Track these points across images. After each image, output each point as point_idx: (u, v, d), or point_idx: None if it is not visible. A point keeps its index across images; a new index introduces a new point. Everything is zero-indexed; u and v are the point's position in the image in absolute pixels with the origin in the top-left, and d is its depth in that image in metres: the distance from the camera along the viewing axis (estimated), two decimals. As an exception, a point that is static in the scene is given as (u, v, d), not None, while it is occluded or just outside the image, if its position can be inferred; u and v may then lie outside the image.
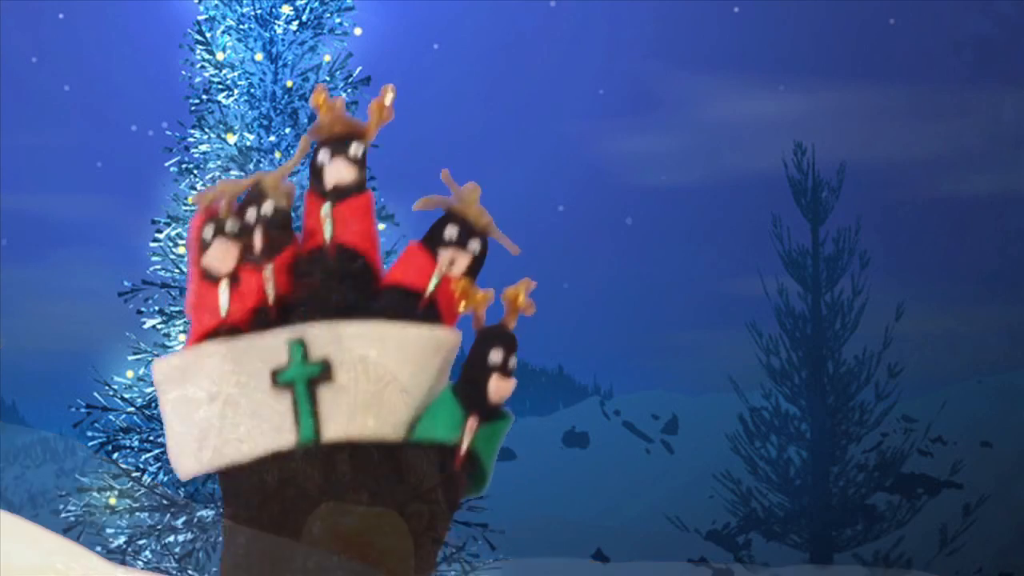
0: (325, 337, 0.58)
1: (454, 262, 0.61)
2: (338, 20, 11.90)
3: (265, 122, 11.75)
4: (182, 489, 11.17)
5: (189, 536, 11.13)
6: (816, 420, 27.59)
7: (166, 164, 11.84)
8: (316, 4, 11.78)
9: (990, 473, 29.87)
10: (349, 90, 11.96)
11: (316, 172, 0.60)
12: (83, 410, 11.22)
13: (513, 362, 0.63)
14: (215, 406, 0.60)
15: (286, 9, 11.67)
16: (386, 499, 0.62)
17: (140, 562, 10.97)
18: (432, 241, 0.61)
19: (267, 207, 0.59)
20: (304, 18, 11.74)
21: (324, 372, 0.58)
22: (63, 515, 11.03)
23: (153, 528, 11.07)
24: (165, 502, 11.02)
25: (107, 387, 11.29)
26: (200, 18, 11.62)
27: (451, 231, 0.62)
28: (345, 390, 0.59)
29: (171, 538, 11.10)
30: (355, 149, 0.61)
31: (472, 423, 0.61)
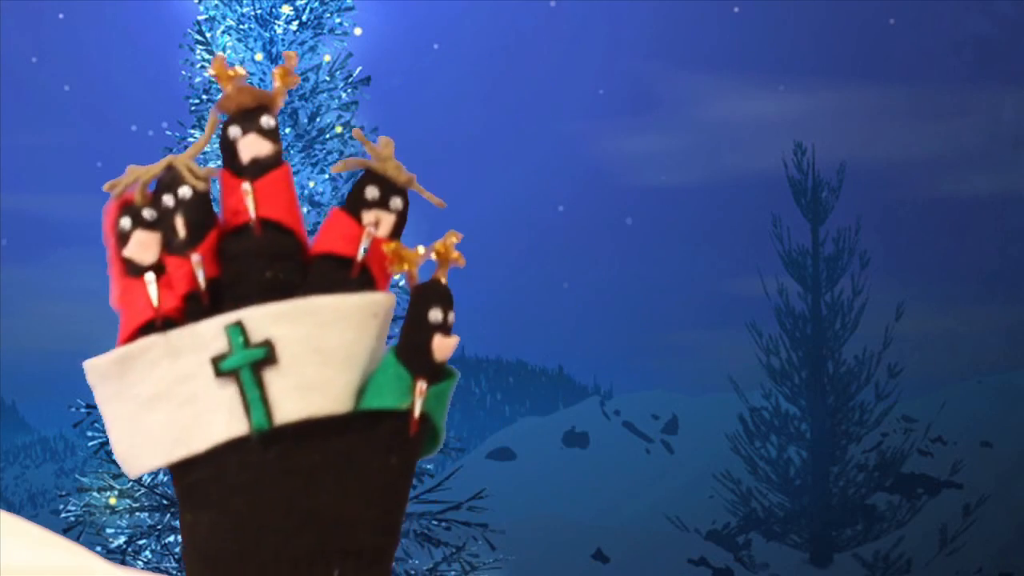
0: (264, 318, 0.58)
1: (379, 222, 0.61)
2: (338, 20, 11.90)
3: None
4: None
5: (189, 536, 11.14)
6: (816, 420, 27.59)
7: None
8: (316, 4, 11.79)
9: (990, 473, 29.85)
10: (349, 90, 11.97)
11: (229, 148, 0.59)
12: (83, 410, 11.22)
13: (452, 318, 0.63)
14: (160, 402, 0.59)
15: (286, 9, 11.67)
16: (349, 473, 0.62)
17: (140, 562, 10.97)
18: (354, 204, 0.60)
19: (184, 191, 0.59)
20: (304, 18, 11.75)
21: (268, 354, 0.57)
22: (63, 515, 11.03)
23: (153, 528, 11.07)
24: (165, 502, 11.02)
25: (107, 387, 11.30)
26: (200, 18, 11.62)
27: (372, 191, 0.61)
28: (290, 370, 0.59)
29: (171, 538, 11.10)
30: (267, 120, 0.60)
31: (421, 386, 0.61)
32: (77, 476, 11.47)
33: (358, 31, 11.93)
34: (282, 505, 0.69)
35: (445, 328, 0.72)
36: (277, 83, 0.72)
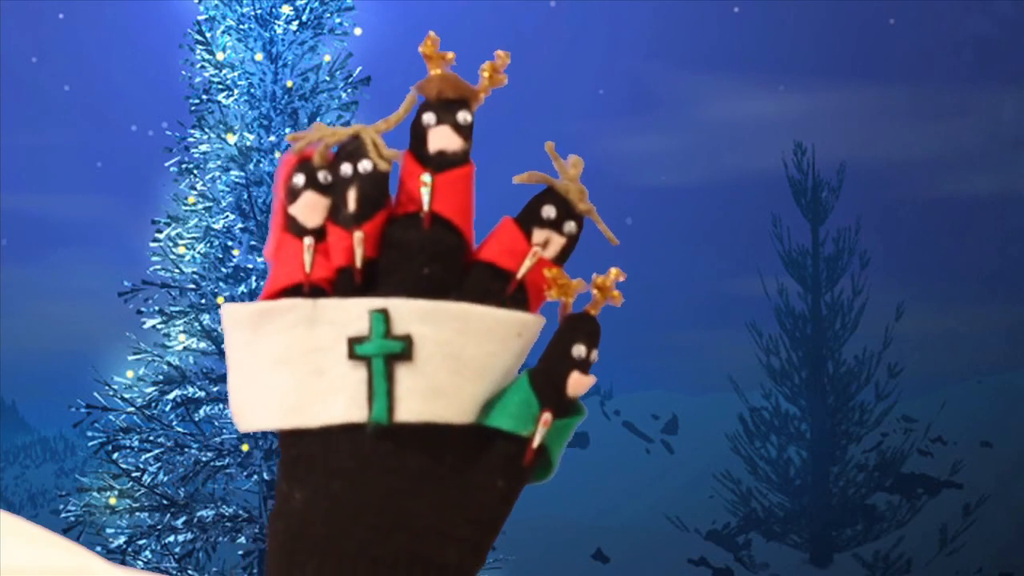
0: (410, 312, 0.57)
1: (548, 243, 0.60)
2: (338, 20, 11.91)
3: (265, 122, 11.76)
4: (182, 489, 11.17)
5: (189, 536, 11.13)
6: (816, 420, 27.59)
7: (166, 164, 11.85)
8: (316, 4, 11.78)
9: (990, 473, 29.85)
10: (349, 90, 11.97)
11: (419, 134, 0.58)
12: (83, 410, 11.22)
13: (595, 356, 0.62)
14: (287, 366, 0.58)
15: (286, 9, 11.67)
16: (454, 487, 0.61)
17: (140, 562, 10.97)
18: (528, 219, 0.60)
19: (365, 164, 0.58)
20: (304, 18, 11.75)
21: (405, 350, 0.57)
22: (63, 515, 11.03)
23: (153, 528, 11.07)
24: (165, 502, 11.02)
25: (107, 387, 11.29)
26: (200, 18, 11.63)
27: (549, 210, 0.60)
28: (423, 370, 0.58)
29: (171, 538, 11.10)
30: (464, 116, 0.59)
31: (547, 417, 0.60)
32: (77, 476, 11.47)
33: (358, 31, 11.93)
34: (380, 501, 0.68)
35: (585, 365, 0.71)
36: (484, 81, 0.71)
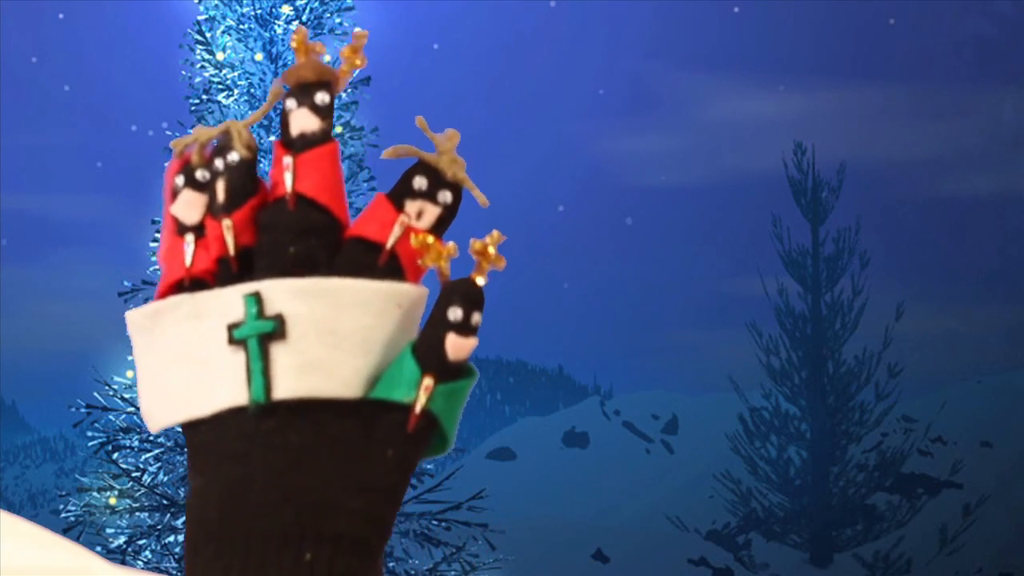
0: (280, 292, 0.57)
1: (422, 214, 0.60)
2: (338, 20, 11.91)
3: (265, 122, 11.76)
4: (182, 489, 11.17)
5: (189, 536, 11.14)
6: (816, 420, 27.59)
7: (166, 164, 11.86)
8: (316, 4, 11.79)
9: (990, 473, 29.85)
10: (349, 90, 11.97)
11: (284, 120, 0.59)
12: (83, 410, 11.22)
13: (476, 319, 0.62)
14: (180, 361, 0.59)
15: (286, 9, 11.67)
16: (340, 459, 0.61)
17: (140, 562, 10.97)
18: (399, 193, 0.60)
19: (232, 156, 0.59)
20: (304, 18, 11.75)
21: (277, 328, 0.57)
22: (63, 515, 11.03)
23: (153, 528, 11.07)
24: (165, 502, 11.02)
25: (107, 387, 11.29)
26: (200, 18, 11.62)
27: (420, 181, 0.60)
28: (297, 347, 0.58)
29: (171, 538, 11.09)
30: (322, 96, 0.60)
31: (428, 382, 0.60)
32: (77, 476, 11.47)
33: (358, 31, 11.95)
34: (266, 479, 0.69)
35: (465, 328, 0.71)
36: (345, 62, 0.72)
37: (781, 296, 28.07)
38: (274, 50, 11.71)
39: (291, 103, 0.71)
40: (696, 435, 36.62)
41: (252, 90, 11.65)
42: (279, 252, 0.70)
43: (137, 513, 11.01)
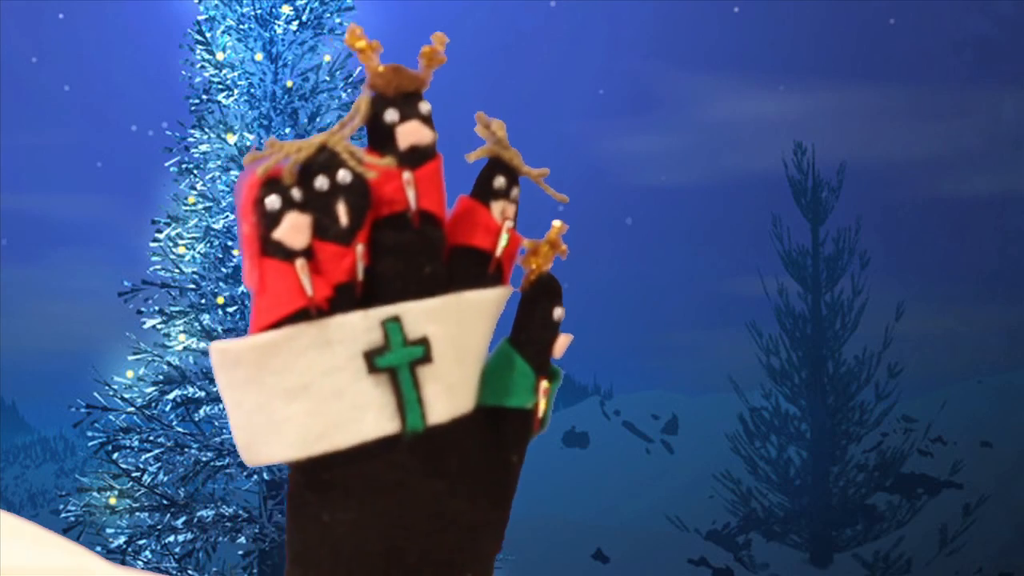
0: (421, 314, 0.56)
1: (504, 213, 0.60)
2: (338, 20, 11.90)
3: (265, 122, 11.75)
4: (182, 489, 11.17)
5: (189, 536, 11.12)
6: (816, 420, 27.58)
7: (166, 164, 11.85)
8: (316, 4, 11.78)
9: (990, 473, 29.84)
10: (349, 90, 11.96)
11: (384, 132, 0.57)
12: (83, 410, 11.21)
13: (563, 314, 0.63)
14: (302, 393, 0.57)
15: (286, 9, 11.67)
16: (480, 475, 0.61)
17: (140, 562, 10.97)
18: (483, 194, 0.59)
19: (343, 175, 0.57)
20: (304, 18, 11.74)
21: (425, 353, 0.56)
22: (63, 515, 11.03)
23: (153, 528, 11.07)
24: (165, 502, 11.01)
25: (107, 387, 11.28)
26: (200, 18, 11.62)
27: (500, 181, 0.60)
28: (441, 369, 0.57)
29: (171, 538, 11.09)
30: (425, 106, 0.58)
31: (545, 386, 0.60)
32: (77, 476, 11.47)
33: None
34: (428, 507, 0.67)
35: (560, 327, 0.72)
36: (425, 65, 0.69)
37: (781, 296, 28.07)
38: (274, 50, 11.70)
39: (393, 115, 0.68)
40: (696, 435, 36.61)
41: (252, 90, 11.64)
42: (413, 274, 0.67)
43: (137, 513, 11.01)
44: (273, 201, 0.65)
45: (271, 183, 0.66)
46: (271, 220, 0.65)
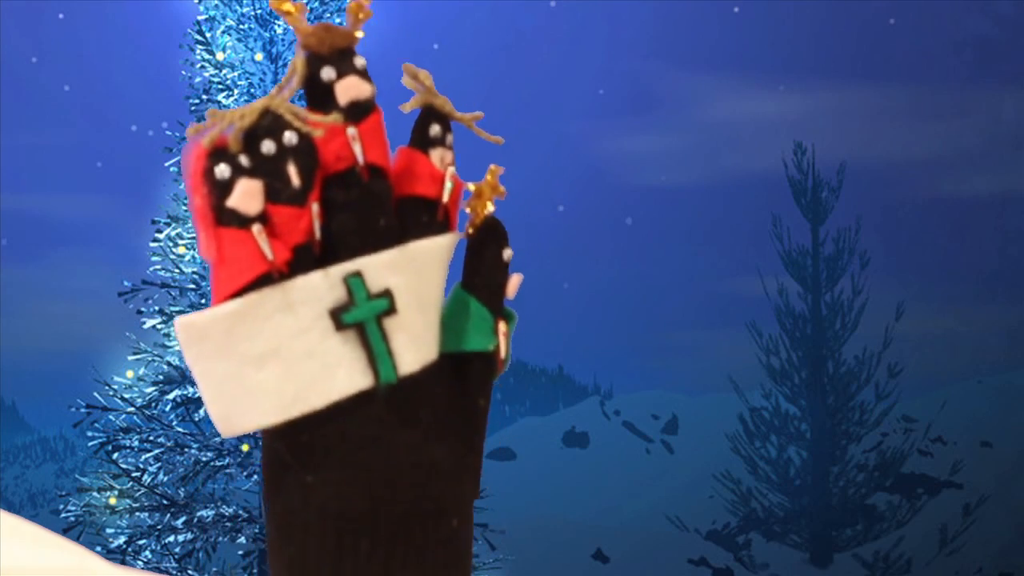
0: (381, 267, 0.56)
1: (443, 160, 0.60)
2: (338, 20, 11.90)
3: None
4: (182, 489, 11.17)
5: (189, 536, 11.13)
6: (816, 420, 27.59)
7: (166, 164, 11.86)
8: (316, 4, 11.79)
9: (990, 473, 29.85)
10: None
11: (322, 90, 0.57)
12: (83, 410, 11.21)
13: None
14: (273, 358, 0.57)
15: (286, 9, 11.68)
16: (452, 421, 0.61)
17: (140, 562, 10.96)
18: (421, 142, 0.59)
19: (289, 136, 0.57)
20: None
21: (390, 305, 0.56)
22: (63, 515, 11.03)
23: (153, 528, 11.07)
24: (165, 502, 11.01)
25: (107, 387, 11.28)
26: (200, 18, 11.62)
27: (435, 128, 0.60)
28: (406, 319, 0.58)
29: (171, 538, 11.09)
30: (360, 61, 0.58)
31: (503, 327, 0.61)
32: (77, 476, 11.47)
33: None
34: (408, 458, 0.68)
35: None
36: (352, 20, 0.70)
37: (781, 296, 28.08)
38: (274, 50, 11.71)
39: (330, 72, 0.68)
40: (696, 435, 36.62)
41: (252, 90, 11.65)
42: (368, 228, 0.68)
43: (137, 513, 11.01)
44: (223, 170, 0.65)
45: (218, 152, 0.66)
46: (223, 189, 0.65)
